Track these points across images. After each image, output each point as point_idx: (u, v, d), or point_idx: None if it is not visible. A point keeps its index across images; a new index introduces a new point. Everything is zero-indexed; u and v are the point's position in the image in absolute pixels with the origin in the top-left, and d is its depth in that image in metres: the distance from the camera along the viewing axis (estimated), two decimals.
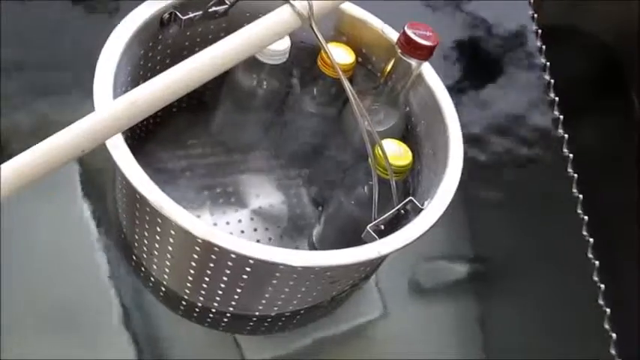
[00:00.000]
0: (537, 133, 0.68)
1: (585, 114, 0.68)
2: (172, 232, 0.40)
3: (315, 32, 0.37)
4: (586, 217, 0.61)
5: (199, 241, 0.37)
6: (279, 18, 0.37)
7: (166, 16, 0.46)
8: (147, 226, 0.42)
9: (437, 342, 0.53)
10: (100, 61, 0.41)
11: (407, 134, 0.52)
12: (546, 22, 0.75)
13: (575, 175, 0.63)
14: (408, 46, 0.45)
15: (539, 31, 0.75)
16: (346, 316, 0.52)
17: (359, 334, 0.53)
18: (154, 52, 0.47)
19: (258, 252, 0.36)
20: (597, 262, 0.58)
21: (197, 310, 0.47)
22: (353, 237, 0.44)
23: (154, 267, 0.47)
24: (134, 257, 0.49)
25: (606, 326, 0.55)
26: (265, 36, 0.37)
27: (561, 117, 0.67)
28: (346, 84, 0.39)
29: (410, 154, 0.44)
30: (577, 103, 0.69)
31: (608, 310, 0.55)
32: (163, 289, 0.48)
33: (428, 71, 0.50)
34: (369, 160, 0.43)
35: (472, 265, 0.57)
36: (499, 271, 0.58)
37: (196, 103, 0.58)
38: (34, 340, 0.45)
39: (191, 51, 0.46)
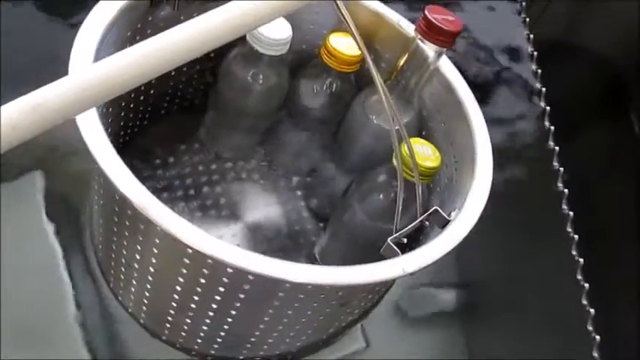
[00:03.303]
0: (531, 162, 0.64)
1: (582, 142, 0.64)
2: (156, 241, 0.33)
3: (340, 10, 0.31)
4: (577, 250, 0.57)
5: (189, 251, 0.31)
6: None
7: None
8: (125, 243, 0.36)
9: None
10: (77, 41, 0.35)
11: (421, 137, 0.46)
12: (542, 40, 0.71)
13: (571, 213, 0.59)
14: (430, 30, 0.39)
15: (535, 53, 0.71)
16: (328, 347, 0.47)
17: None
18: (142, 36, 0.40)
19: (264, 266, 0.30)
20: (587, 285, 0.54)
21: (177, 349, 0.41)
22: (363, 253, 0.38)
23: (130, 302, 0.41)
24: (109, 288, 0.43)
25: (595, 354, 0.51)
26: (268, 11, 0.29)
27: (557, 148, 0.63)
28: (369, 60, 0.33)
29: (439, 154, 0.38)
30: (573, 129, 0.65)
31: (597, 337, 0.51)
32: (139, 327, 0.42)
33: (446, 65, 0.45)
34: (394, 160, 0.37)
35: (458, 292, 0.53)
36: (486, 299, 0.54)
37: (188, 106, 0.52)
38: None
39: None
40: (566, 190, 0.60)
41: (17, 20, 0.56)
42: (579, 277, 0.55)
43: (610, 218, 0.57)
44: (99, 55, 0.35)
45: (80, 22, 0.36)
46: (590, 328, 0.52)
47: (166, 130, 0.51)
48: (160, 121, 0.51)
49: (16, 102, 0.23)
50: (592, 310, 0.53)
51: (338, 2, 0.31)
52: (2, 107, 0.22)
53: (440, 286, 0.52)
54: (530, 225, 0.58)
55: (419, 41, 0.41)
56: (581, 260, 0.55)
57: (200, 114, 0.51)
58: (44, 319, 0.43)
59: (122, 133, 0.48)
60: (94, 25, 0.36)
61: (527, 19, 0.74)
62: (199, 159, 0.51)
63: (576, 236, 0.57)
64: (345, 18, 0.31)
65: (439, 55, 0.41)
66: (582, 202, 0.59)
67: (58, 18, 0.58)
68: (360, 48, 0.33)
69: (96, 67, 0.24)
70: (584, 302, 0.53)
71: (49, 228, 0.47)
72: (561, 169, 0.62)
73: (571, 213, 0.58)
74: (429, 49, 0.41)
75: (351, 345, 0.47)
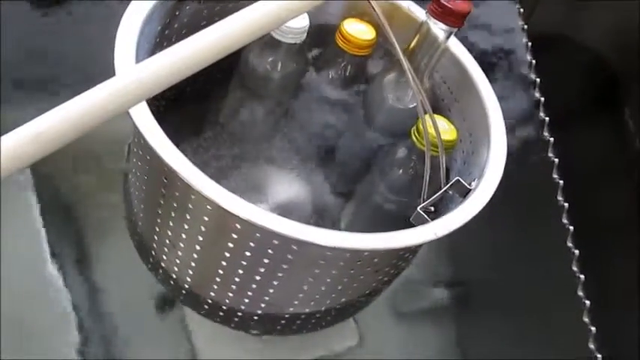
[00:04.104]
0: (526, 153, 0.65)
1: (577, 133, 0.65)
2: (205, 218, 0.36)
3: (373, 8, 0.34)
4: (573, 241, 0.58)
5: (237, 226, 0.33)
6: None
7: None
8: (173, 214, 0.38)
9: None
10: (118, 37, 0.37)
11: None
12: (537, 32, 0.72)
13: (566, 205, 0.60)
14: (441, 10, 0.42)
15: (530, 44, 0.72)
16: (321, 341, 0.49)
17: None
18: (170, 31, 0.43)
19: (312, 235, 0.32)
20: (582, 277, 0.56)
21: (222, 312, 0.43)
22: (386, 227, 0.41)
23: (176, 268, 0.43)
24: (151, 260, 0.45)
25: (591, 346, 0.53)
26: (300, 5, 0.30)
27: (552, 139, 0.64)
28: (394, 40, 0.36)
29: (454, 128, 0.41)
30: (568, 122, 0.66)
31: (593, 328, 0.53)
32: (184, 292, 0.44)
33: (455, 45, 0.47)
34: (412, 136, 0.40)
35: (452, 287, 0.54)
36: (480, 293, 0.56)
37: (205, 93, 0.54)
38: None
39: None
40: (561, 181, 0.61)
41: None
42: (575, 268, 0.56)
43: (606, 209, 0.59)
44: (139, 50, 0.38)
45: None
46: (586, 319, 0.54)
47: (186, 118, 0.53)
48: (179, 109, 0.53)
49: (15, 133, 0.24)
50: (588, 302, 0.54)
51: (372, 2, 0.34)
52: (2, 138, 0.24)
53: (433, 281, 0.53)
54: (526, 216, 0.59)
55: (430, 23, 0.43)
56: (577, 251, 0.57)
57: (219, 101, 0.53)
58: (36, 319, 0.44)
59: None
60: (133, 21, 0.38)
61: (522, 10, 0.75)
62: (220, 145, 0.53)
63: (572, 227, 0.58)
64: (377, 13, 0.34)
65: (449, 35, 0.44)
66: (578, 193, 0.60)
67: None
68: (390, 38, 0.35)
69: (89, 94, 0.25)
70: (580, 294, 0.55)
71: (41, 226, 0.48)
72: (556, 159, 0.63)
73: (566, 204, 0.60)
74: (440, 30, 0.43)
75: (344, 341, 0.48)
